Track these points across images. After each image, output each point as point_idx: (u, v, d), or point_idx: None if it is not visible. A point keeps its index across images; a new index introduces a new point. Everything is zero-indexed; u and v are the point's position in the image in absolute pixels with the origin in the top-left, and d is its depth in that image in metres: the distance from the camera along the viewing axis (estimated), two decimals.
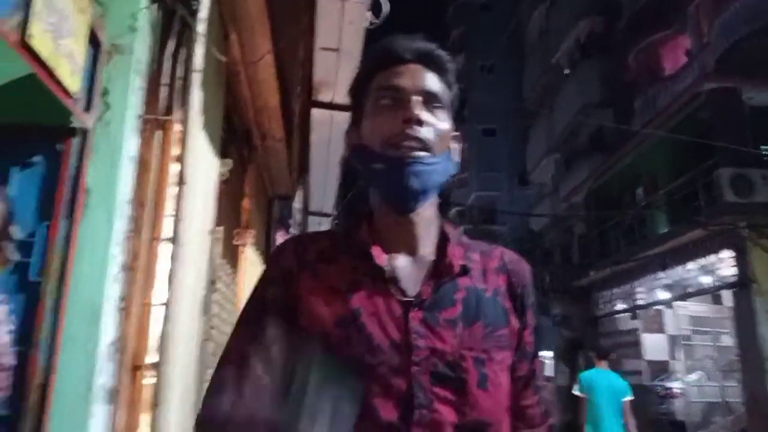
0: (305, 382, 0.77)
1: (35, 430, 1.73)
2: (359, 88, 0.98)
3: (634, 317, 14.07)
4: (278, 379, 0.80)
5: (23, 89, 1.76)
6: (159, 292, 2.26)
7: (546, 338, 15.48)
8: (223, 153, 3.23)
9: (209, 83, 2.66)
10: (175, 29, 2.25)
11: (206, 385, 0.86)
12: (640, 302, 13.89)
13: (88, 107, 1.92)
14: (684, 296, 12.55)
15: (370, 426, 0.79)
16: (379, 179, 0.93)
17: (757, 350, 9.38)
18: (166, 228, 2.28)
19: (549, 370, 16.03)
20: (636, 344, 13.97)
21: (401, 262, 0.92)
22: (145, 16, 2.09)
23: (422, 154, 0.88)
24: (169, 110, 2.29)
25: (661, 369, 13.45)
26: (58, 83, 1.72)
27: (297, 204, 5.77)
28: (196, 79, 2.30)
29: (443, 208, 0.98)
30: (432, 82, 0.93)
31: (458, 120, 0.98)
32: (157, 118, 2.19)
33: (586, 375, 6.02)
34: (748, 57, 10.24)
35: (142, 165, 2.15)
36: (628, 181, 14.39)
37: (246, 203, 4.22)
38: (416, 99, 0.91)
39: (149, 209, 2.19)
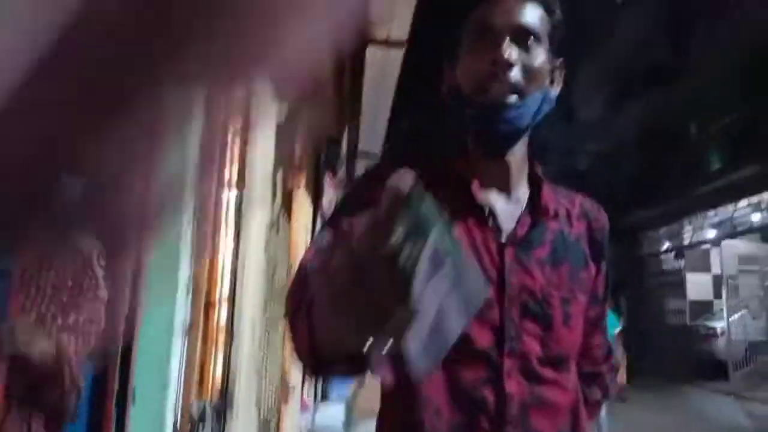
0: None
1: (125, 360, 1.88)
2: (455, 23, 0.96)
3: (679, 257, 13.87)
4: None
5: None
6: (226, 234, 2.36)
7: None
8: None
9: None
10: None
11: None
12: (686, 242, 13.65)
13: None
14: (733, 234, 12.27)
15: (468, 354, 0.84)
16: (470, 123, 0.94)
17: None
18: (231, 174, 2.36)
19: None
20: (680, 284, 13.84)
21: (497, 199, 0.94)
22: None
23: (512, 99, 0.88)
24: None
25: (704, 309, 13.35)
26: None
27: (345, 146, 5.79)
28: None
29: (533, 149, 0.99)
30: (529, 14, 0.90)
31: (564, 44, 0.94)
32: None
33: None
34: None
35: (207, 113, 2.20)
36: (681, 117, 13.86)
37: (297, 147, 4.27)
38: (508, 38, 0.89)
39: (215, 156, 2.26)
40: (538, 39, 0.91)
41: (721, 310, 12.41)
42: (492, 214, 0.93)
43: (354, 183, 0.99)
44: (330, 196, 4.96)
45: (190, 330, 2.13)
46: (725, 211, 11.91)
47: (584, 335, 0.98)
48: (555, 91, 0.96)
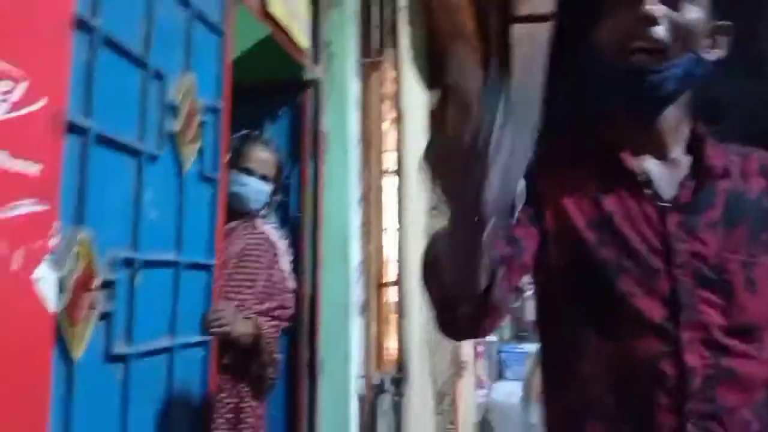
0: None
1: (311, 337, 2.11)
2: None
3: None
4: None
5: (263, 51, 2.04)
6: (390, 219, 2.52)
7: None
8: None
9: (413, 19, 2.77)
10: None
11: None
12: None
13: (316, 59, 2.16)
14: None
15: (638, 328, 0.80)
16: (611, 89, 0.88)
17: None
18: (390, 162, 2.50)
19: None
20: None
21: (652, 165, 0.87)
22: None
23: (655, 61, 0.80)
24: (380, 52, 2.45)
25: None
26: (292, 41, 1.96)
27: None
28: (403, 17, 2.42)
29: (695, 106, 0.90)
30: None
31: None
32: (372, 60, 2.36)
33: None
34: None
35: (364, 106, 2.36)
36: None
37: None
38: None
39: (375, 146, 2.41)
40: None
41: None
42: (647, 181, 0.86)
43: None
44: None
45: (365, 309, 2.31)
46: None
47: None
48: (714, 55, 0.86)
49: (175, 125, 1.21)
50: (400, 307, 2.48)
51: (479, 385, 4.64)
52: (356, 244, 2.24)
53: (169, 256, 1.21)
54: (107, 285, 0.99)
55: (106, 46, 1.01)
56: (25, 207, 0.71)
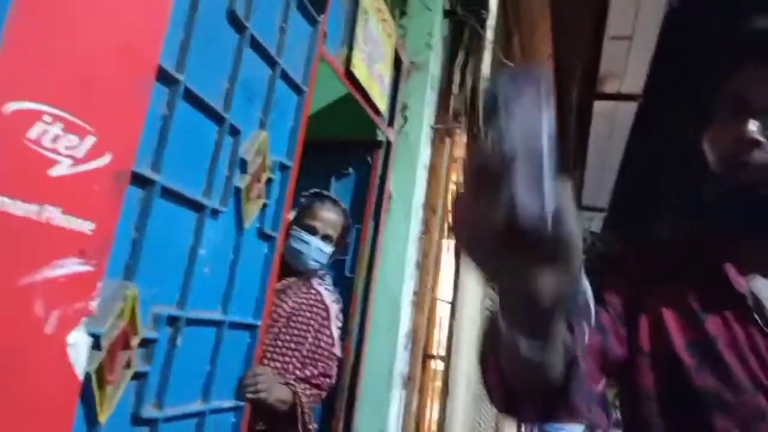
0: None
1: (348, 408, 2.01)
2: (704, 90, 0.84)
3: None
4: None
5: (340, 109, 2.04)
6: (444, 289, 2.42)
7: None
8: None
9: None
10: (464, 40, 2.35)
11: None
12: None
13: (390, 121, 2.14)
14: None
15: None
16: (715, 201, 0.81)
17: None
18: (451, 230, 2.42)
19: None
20: None
21: (763, 286, 0.82)
22: (438, 32, 2.24)
23: (757, 181, 0.74)
24: (456, 118, 2.42)
25: None
26: (371, 103, 1.95)
27: None
28: (483, 84, 2.38)
29: None
30: None
31: None
32: (447, 127, 2.33)
33: None
34: None
35: (432, 171, 2.32)
36: None
37: None
38: (760, 118, 0.74)
39: (438, 212, 2.35)
40: None
41: None
42: (758, 304, 0.79)
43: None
44: None
45: (408, 381, 2.21)
46: None
47: None
48: None
49: (243, 181, 1.19)
50: (446, 382, 2.36)
51: None
52: (407, 311, 2.16)
53: (215, 314, 1.16)
54: (146, 343, 0.95)
55: (186, 100, 1.00)
56: (70, 266, 0.67)
